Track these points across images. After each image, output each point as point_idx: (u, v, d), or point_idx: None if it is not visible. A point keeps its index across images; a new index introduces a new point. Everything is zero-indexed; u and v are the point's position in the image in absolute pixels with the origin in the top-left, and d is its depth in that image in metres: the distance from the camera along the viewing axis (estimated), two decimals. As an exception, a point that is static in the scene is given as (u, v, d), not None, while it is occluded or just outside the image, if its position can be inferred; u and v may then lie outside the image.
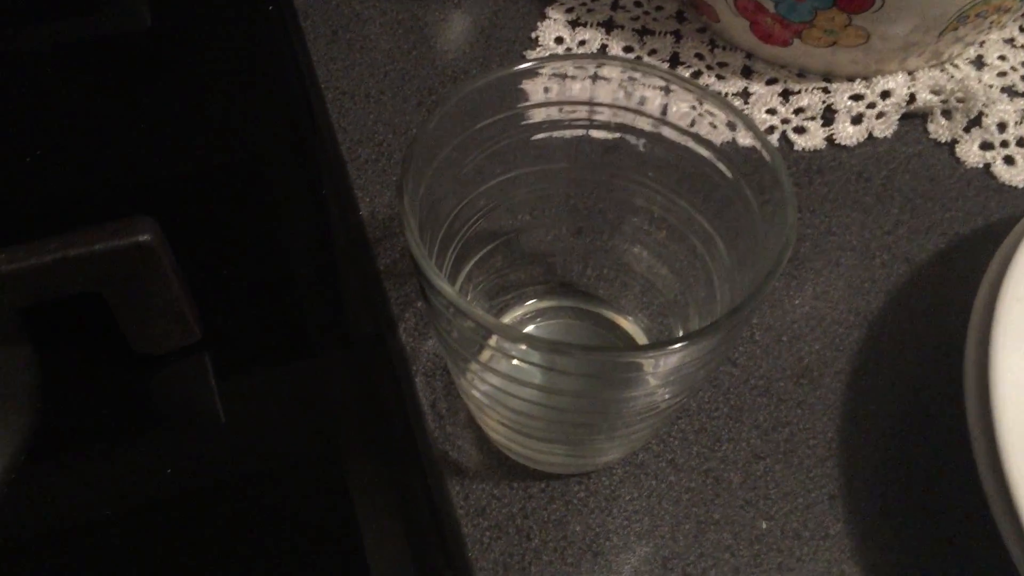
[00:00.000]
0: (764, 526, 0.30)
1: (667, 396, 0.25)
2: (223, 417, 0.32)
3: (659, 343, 0.22)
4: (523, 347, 0.23)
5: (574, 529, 0.29)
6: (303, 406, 0.32)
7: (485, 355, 0.25)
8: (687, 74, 0.41)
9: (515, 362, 0.24)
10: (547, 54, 0.42)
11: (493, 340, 0.24)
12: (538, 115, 0.29)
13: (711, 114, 0.27)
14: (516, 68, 0.27)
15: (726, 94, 0.41)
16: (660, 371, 0.23)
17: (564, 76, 0.28)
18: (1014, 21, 0.44)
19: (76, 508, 0.30)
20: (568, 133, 0.30)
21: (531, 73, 0.28)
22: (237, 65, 0.43)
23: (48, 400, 0.31)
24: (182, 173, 0.38)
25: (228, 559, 0.29)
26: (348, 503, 0.30)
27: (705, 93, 0.27)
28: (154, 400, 0.32)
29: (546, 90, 0.28)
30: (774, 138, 0.40)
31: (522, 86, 0.28)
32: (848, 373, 0.33)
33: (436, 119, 0.25)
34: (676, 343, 0.22)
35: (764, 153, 0.25)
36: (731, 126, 0.27)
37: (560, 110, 0.29)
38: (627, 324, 0.32)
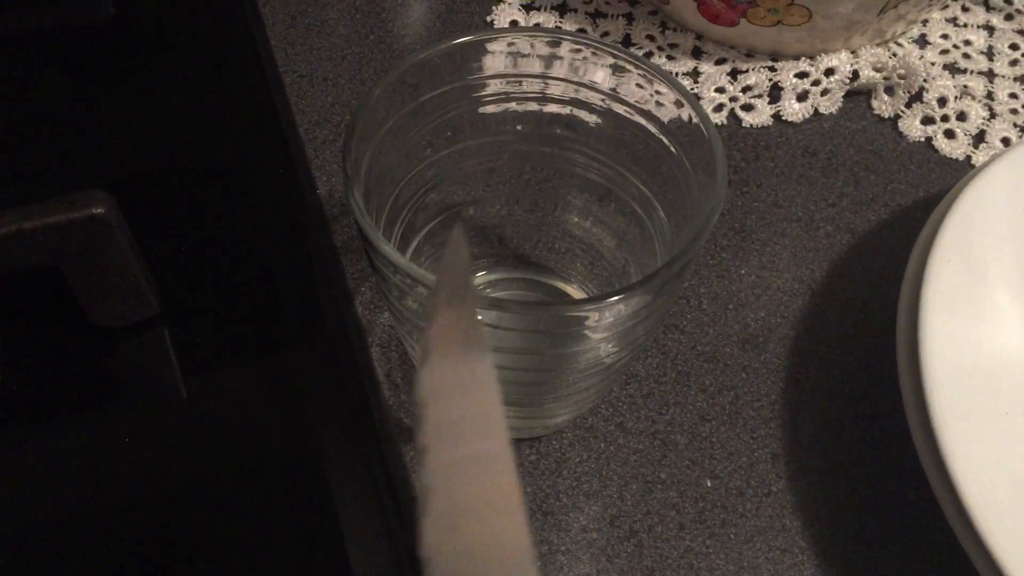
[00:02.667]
0: (709, 484, 0.31)
1: (611, 351, 0.26)
2: (184, 391, 0.33)
3: (596, 297, 0.23)
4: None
5: (525, 491, 0.30)
6: (264, 379, 0.33)
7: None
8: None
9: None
10: (502, 37, 0.43)
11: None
12: (489, 87, 0.30)
13: (659, 92, 0.28)
14: (465, 39, 0.28)
15: (677, 74, 0.42)
16: (601, 324, 0.24)
17: (516, 49, 0.29)
18: (955, 0, 0.46)
19: (34, 482, 0.30)
20: (519, 106, 0.30)
21: (481, 44, 0.28)
22: (198, 51, 0.44)
23: (5, 373, 0.31)
24: (143, 154, 0.39)
25: (190, 529, 0.30)
26: (315, 470, 0.31)
27: (654, 71, 0.27)
28: (114, 373, 0.33)
29: (497, 62, 0.29)
30: (723, 115, 0.41)
31: (472, 57, 0.29)
32: (791, 338, 0.34)
33: (381, 87, 0.26)
34: (612, 296, 0.23)
35: (702, 127, 0.26)
36: (678, 104, 0.27)
37: (511, 82, 0.30)
38: (576, 293, 0.33)
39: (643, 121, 0.29)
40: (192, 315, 0.34)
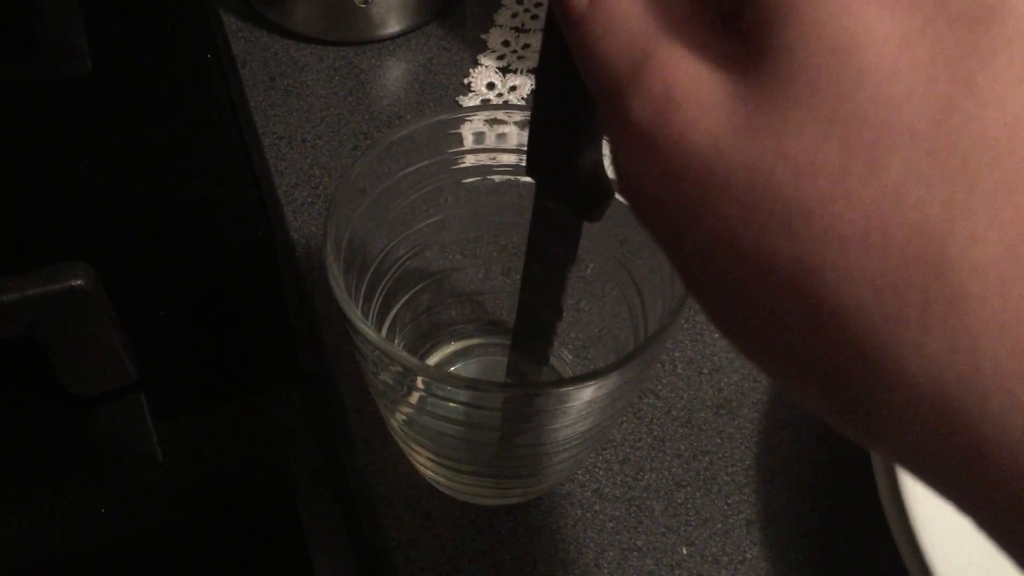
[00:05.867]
0: (685, 551, 0.31)
1: (587, 426, 0.26)
2: (160, 456, 0.33)
3: (571, 379, 0.24)
4: (445, 386, 0.24)
5: (502, 558, 0.30)
6: (240, 445, 0.33)
7: (412, 397, 0.26)
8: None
9: (440, 400, 0.25)
10: (479, 99, 0.44)
11: (418, 381, 0.25)
12: (466, 161, 0.30)
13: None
14: (443, 117, 0.29)
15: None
16: (575, 404, 0.25)
17: (492, 124, 0.30)
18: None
19: (11, 550, 0.30)
20: (497, 178, 0.31)
21: (458, 121, 0.29)
22: (176, 111, 0.44)
23: (-18, 443, 0.31)
24: (121, 217, 0.39)
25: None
26: (295, 536, 0.31)
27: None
28: (90, 441, 0.32)
29: (474, 137, 0.30)
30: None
31: (451, 133, 0.29)
32: (765, 403, 0.34)
33: (359, 167, 0.27)
34: (589, 379, 0.23)
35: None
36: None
37: (487, 156, 0.30)
38: (552, 358, 0.33)
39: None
40: (169, 381, 0.34)
